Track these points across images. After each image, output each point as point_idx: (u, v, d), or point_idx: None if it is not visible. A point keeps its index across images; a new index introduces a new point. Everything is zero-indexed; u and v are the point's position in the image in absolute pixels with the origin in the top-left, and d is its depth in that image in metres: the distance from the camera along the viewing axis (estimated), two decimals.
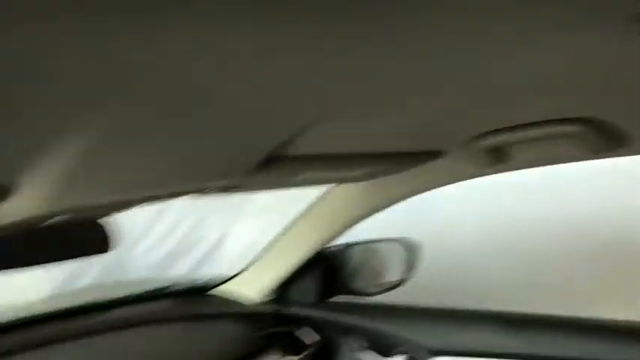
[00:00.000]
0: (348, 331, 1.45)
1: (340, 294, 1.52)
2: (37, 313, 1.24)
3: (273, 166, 0.78)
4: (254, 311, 1.45)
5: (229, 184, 0.79)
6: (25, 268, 0.84)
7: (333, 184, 1.29)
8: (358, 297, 1.52)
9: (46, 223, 0.73)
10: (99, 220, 0.84)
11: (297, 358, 1.44)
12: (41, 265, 0.89)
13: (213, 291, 1.52)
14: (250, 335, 1.42)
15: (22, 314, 1.22)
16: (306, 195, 1.37)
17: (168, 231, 2.89)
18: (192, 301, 1.48)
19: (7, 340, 1.09)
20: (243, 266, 1.54)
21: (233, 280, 1.53)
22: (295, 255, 1.45)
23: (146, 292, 1.59)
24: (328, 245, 1.47)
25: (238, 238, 2.80)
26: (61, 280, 2.62)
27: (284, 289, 1.50)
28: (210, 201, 2.89)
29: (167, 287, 1.65)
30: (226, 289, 1.51)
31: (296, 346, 1.46)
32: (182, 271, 2.82)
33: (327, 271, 1.51)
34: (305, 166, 0.86)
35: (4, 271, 0.82)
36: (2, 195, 0.57)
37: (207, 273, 2.64)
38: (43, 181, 0.56)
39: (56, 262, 0.89)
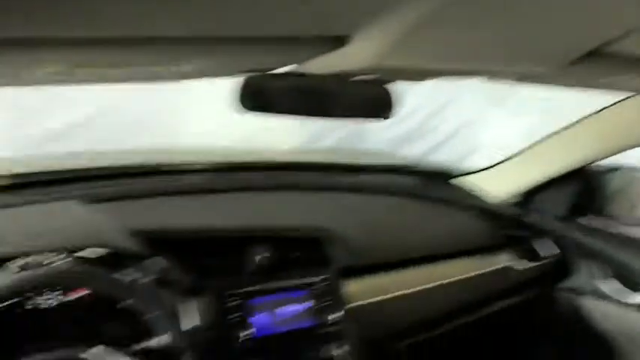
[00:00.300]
0: (593, 255, 1.35)
1: (591, 215, 1.41)
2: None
3: (590, 63, 0.71)
4: (496, 210, 1.43)
5: (535, 72, 0.74)
6: (305, 115, 0.89)
7: (627, 97, 1.15)
8: (609, 224, 1.39)
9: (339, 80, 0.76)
10: (386, 86, 0.86)
11: (531, 265, 1.40)
12: (320, 116, 0.95)
13: (456, 180, 1.52)
14: (488, 232, 1.41)
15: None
16: (582, 104, 1.24)
17: (410, 112, 2.92)
18: (435, 185, 1.51)
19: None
20: (491, 163, 1.50)
21: (478, 174, 1.51)
22: (555, 164, 1.36)
23: (387, 165, 1.66)
24: (593, 162, 1.35)
25: (486, 132, 2.72)
26: (307, 136, 2.84)
27: (531, 196, 1.44)
28: (455, 89, 2.82)
29: (409, 165, 1.70)
30: (469, 181, 1.50)
31: (531, 255, 1.42)
32: (416, 153, 2.87)
33: (583, 189, 1.40)
34: (621, 69, 0.76)
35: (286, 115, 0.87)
36: (337, 44, 0.61)
37: (441, 159, 2.65)
38: (378, 36, 0.58)
39: (335, 118, 0.94)
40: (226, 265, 1.04)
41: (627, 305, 1.30)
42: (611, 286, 1.34)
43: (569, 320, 1.42)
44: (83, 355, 0.77)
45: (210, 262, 1.03)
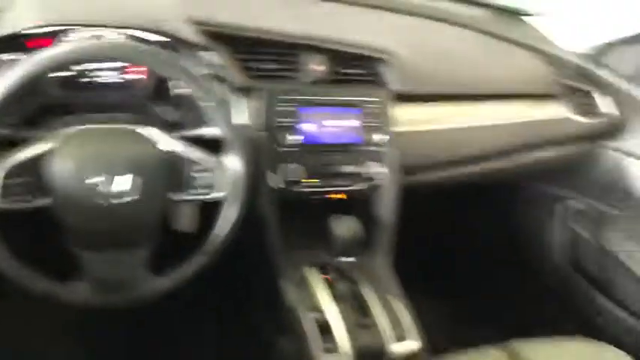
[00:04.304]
0: None
1: None
2: None
3: None
4: (565, 58, 1.36)
5: None
6: None
7: None
8: None
9: None
10: None
11: (589, 120, 1.36)
12: None
13: (529, 19, 1.42)
14: (552, 79, 1.35)
15: None
16: None
17: None
18: (506, 21, 1.41)
19: None
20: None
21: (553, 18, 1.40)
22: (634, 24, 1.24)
23: None
24: None
25: None
26: None
27: (604, 52, 1.35)
28: None
29: None
30: (543, 24, 1.40)
31: (592, 110, 1.37)
32: None
33: None
34: None
35: None
36: None
37: None
38: None
39: None
40: (281, 70, 1.03)
41: None
42: None
43: (612, 178, 1.41)
44: (139, 130, 0.80)
45: (265, 65, 1.02)
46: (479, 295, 1.77)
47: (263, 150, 0.98)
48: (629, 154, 1.38)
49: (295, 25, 1.05)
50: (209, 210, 0.86)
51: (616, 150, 1.40)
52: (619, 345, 1.15)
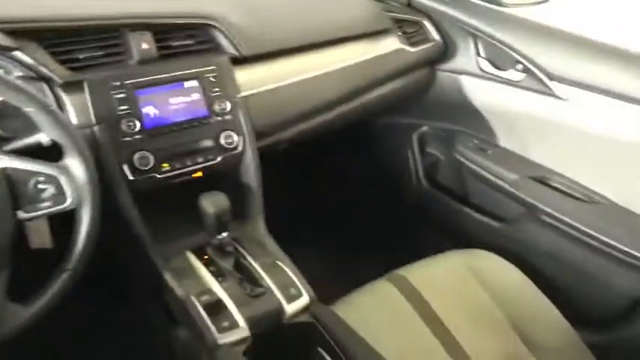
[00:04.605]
0: (472, 35, 1.40)
1: None
2: None
3: None
4: None
5: None
6: None
7: None
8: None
9: None
10: None
11: (420, 47, 1.43)
12: None
13: None
14: (378, 15, 1.40)
15: None
16: None
17: None
18: None
19: None
20: None
21: None
22: None
23: None
24: None
25: None
26: None
27: None
28: None
29: None
30: None
31: (420, 38, 1.45)
32: None
33: None
34: None
35: None
36: None
37: None
38: None
39: None
40: (105, 55, 0.96)
41: (498, 80, 1.40)
42: (484, 65, 1.42)
43: (451, 98, 1.51)
44: None
45: (88, 53, 0.95)
46: (360, 232, 1.85)
47: (106, 144, 0.91)
48: (460, 72, 1.48)
49: (109, 6, 0.98)
50: (66, 221, 0.80)
51: (449, 71, 1.50)
52: (490, 249, 1.27)
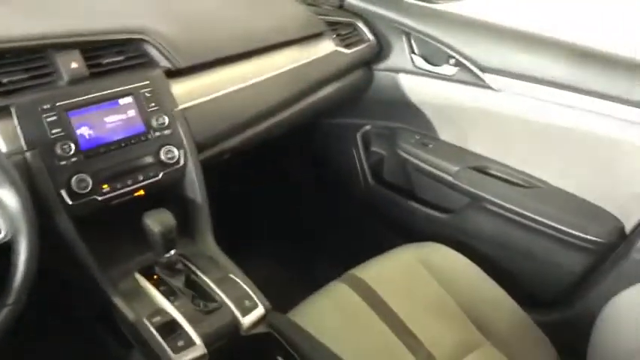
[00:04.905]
0: (406, 34, 1.43)
1: None
2: None
3: None
4: None
5: None
6: None
7: None
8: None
9: None
10: None
11: (354, 48, 1.45)
12: None
13: None
14: (311, 19, 1.40)
15: None
16: None
17: None
18: None
19: None
20: None
21: None
22: None
23: None
24: None
25: None
26: None
27: None
28: None
29: None
30: None
31: (354, 39, 1.47)
32: None
33: None
34: None
35: None
36: None
37: None
38: None
39: None
40: (32, 78, 0.92)
41: (433, 76, 1.43)
42: (419, 62, 1.45)
43: (389, 95, 1.54)
44: None
45: (12, 77, 0.91)
46: (314, 235, 1.85)
47: (40, 170, 0.88)
48: (396, 71, 1.51)
49: (32, 27, 0.95)
50: (3, 253, 0.76)
51: (385, 70, 1.53)
52: (439, 240, 1.29)
